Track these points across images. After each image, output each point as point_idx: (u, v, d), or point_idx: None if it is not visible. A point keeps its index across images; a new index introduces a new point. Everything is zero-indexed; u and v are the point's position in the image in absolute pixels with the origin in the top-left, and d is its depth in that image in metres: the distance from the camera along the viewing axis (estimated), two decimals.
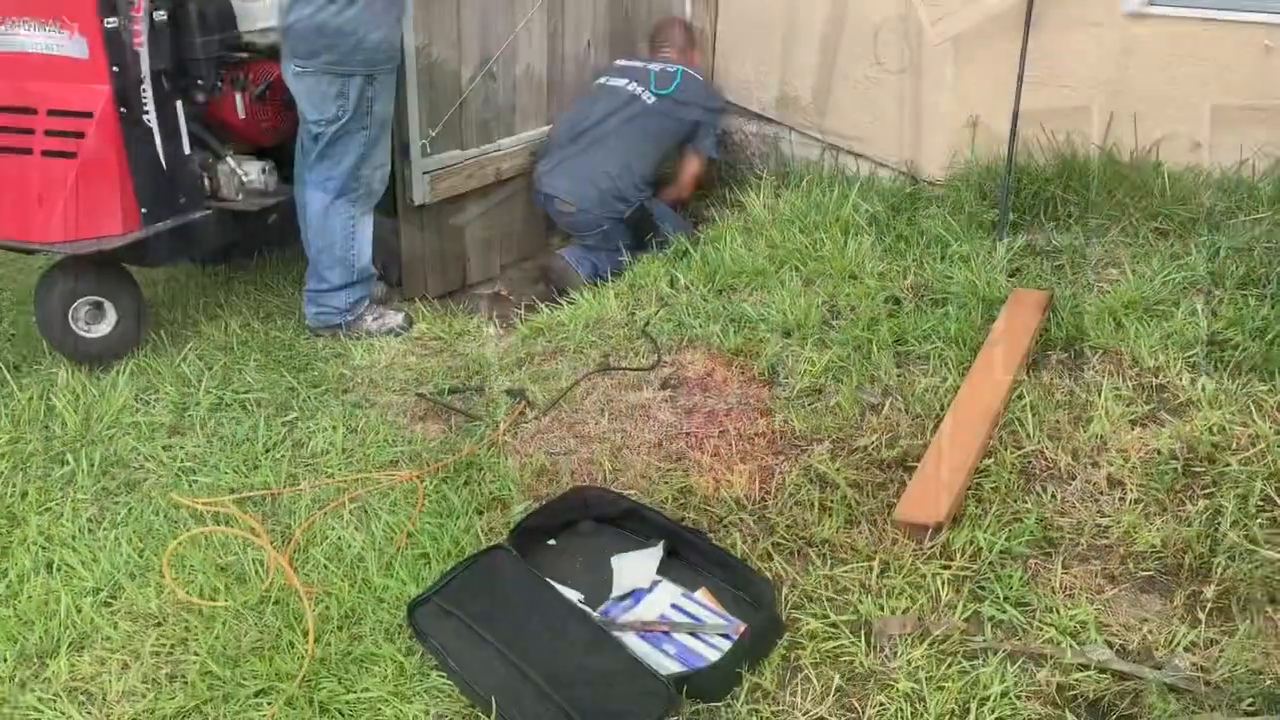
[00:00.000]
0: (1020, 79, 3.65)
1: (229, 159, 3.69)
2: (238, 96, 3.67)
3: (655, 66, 4.35)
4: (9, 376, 3.34)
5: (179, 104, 3.50)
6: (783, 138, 4.58)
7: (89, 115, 3.29)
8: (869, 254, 3.64)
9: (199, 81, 3.53)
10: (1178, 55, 3.58)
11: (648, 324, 3.46)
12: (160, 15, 3.37)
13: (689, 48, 4.57)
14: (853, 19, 4.08)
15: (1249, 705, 1.96)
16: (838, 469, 2.70)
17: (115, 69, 3.29)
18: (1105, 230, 3.59)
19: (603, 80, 4.35)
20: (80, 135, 3.29)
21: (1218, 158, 3.63)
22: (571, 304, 3.76)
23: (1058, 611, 2.22)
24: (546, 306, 3.85)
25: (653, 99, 4.22)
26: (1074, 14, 3.63)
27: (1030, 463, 2.66)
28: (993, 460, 2.65)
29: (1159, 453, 2.59)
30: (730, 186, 4.62)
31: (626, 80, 4.28)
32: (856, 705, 2.08)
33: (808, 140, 4.46)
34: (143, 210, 3.41)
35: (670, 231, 4.12)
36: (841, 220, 3.84)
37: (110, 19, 3.24)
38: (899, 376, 3.03)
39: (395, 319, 3.80)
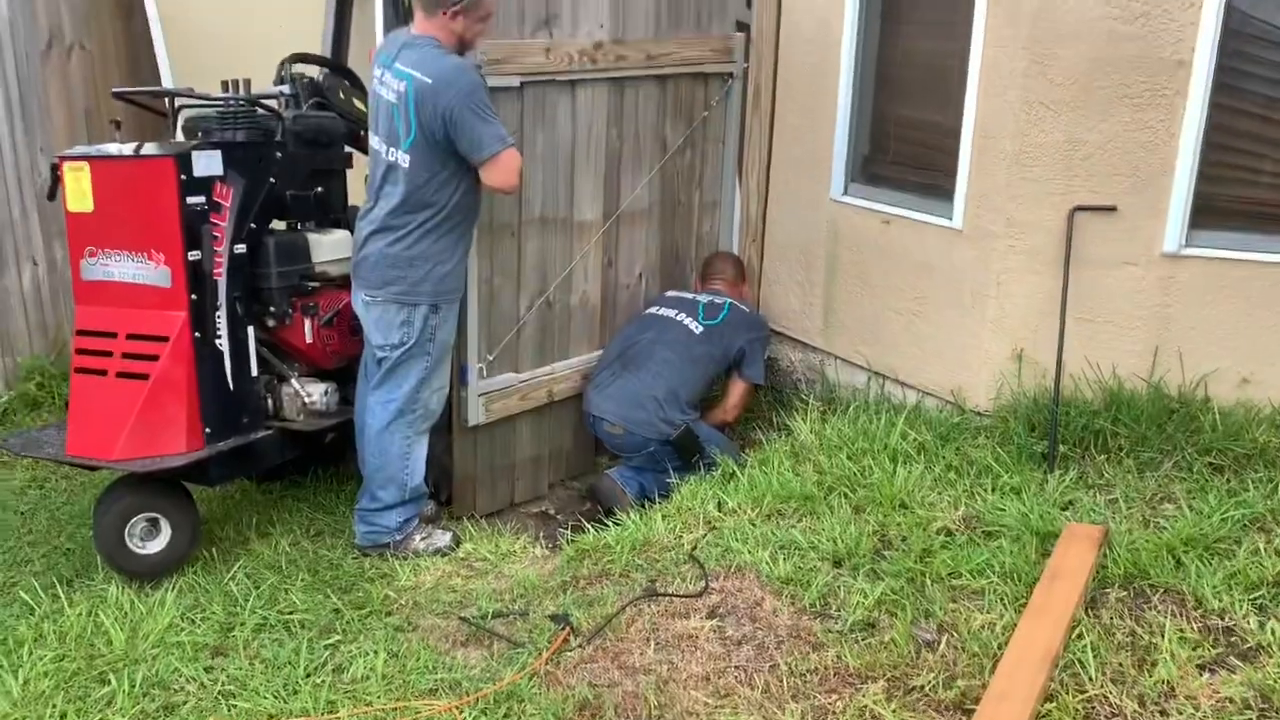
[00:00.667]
0: (1063, 315, 3.74)
1: (293, 381, 3.84)
2: (307, 322, 3.85)
3: (704, 298, 4.52)
4: (61, 592, 3.37)
5: (250, 329, 3.68)
6: (829, 365, 4.67)
7: (164, 339, 3.47)
8: (919, 483, 3.63)
9: (271, 309, 3.72)
10: (1217, 293, 3.66)
11: (695, 548, 3.44)
12: (240, 248, 3.60)
13: (739, 280, 4.75)
14: (895, 254, 4.23)
15: None
16: (894, 710, 2.60)
17: (194, 297, 3.49)
18: (1158, 464, 3.56)
19: (654, 310, 4.51)
20: (154, 358, 3.46)
21: (1267, 393, 3.64)
22: (618, 525, 3.75)
23: None
24: (593, 527, 3.85)
25: (700, 328, 4.36)
26: (1112, 253, 3.74)
27: (1094, 708, 2.54)
28: (1054, 705, 2.54)
29: (1231, 701, 2.48)
30: (777, 411, 4.68)
31: (676, 311, 4.44)
32: None
33: (853, 367, 4.54)
34: (206, 430, 3.53)
35: (717, 453, 4.15)
36: (890, 448, 3.86)
37: (194, 251, 3.47)
38: (954, 612, 2.96)
39: (443, 539, 3.82)
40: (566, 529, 4.00)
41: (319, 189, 3.88)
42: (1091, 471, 3.62)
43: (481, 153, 3.43)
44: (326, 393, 3.89)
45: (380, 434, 3.69)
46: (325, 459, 4.26)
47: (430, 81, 3.40)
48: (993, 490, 3.56)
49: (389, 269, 3.56)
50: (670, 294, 4.63)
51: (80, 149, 3.64)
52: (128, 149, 3.51)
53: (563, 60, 4.04)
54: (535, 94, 4.03)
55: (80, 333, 3.59)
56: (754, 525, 3.54)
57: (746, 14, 4.93)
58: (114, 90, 3.88)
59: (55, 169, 3.56)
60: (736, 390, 4.49)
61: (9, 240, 5.41)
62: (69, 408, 3.56)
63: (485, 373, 4.10)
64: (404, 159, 3.48)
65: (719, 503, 3.74)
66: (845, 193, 4.44)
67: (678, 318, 4.41)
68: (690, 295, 4.58)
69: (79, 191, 3.49)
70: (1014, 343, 3.91)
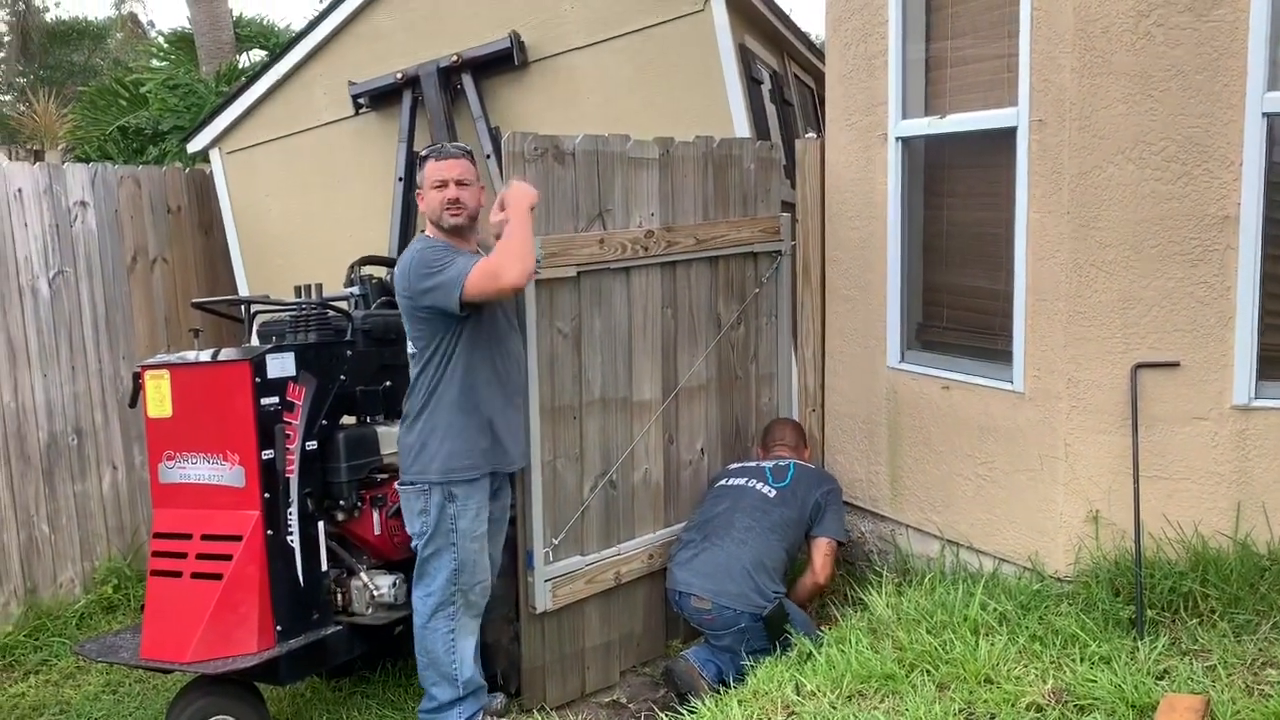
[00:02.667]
0: (1136, 474, 3.66)
1: (362, 574, 3.86)
2: (375, 514, 3.91)
3: (768, 463, 4.51)
4: None
5: (320, 524, 3.74)
6: (899, 534, 4.58)
7: (238, 539, 3.54)
8: (1003, 656, 3.48)
9: (341, 502, 3.79)
10: None
11: None
12: (311, 445, 3.70)
13: (800, 445, 4.74)
14: (957, 419, 4.21)
15: None
16: None
17: (267, 495, 3.57)
18: (1255, 627, 3.39)
19: (722, 481, 4.51)
20: (228, 558, 3.52)
21: None
22: (693, 713, 3.63)
23: None
24: (667, 716, 3.73)
25: (773, 491, 4.33)
26: (1180, 409, 3.69)
27: None
28: None
29: None
30: (850, 584, 4.57)
31: (745, 479, 4.44)
32: None
33: (925, 536, 4.45)
34: (278, 628, 3.55)
35: (796, 632, 4.04)
36: (970, 620, 3.72)
37: (267, 451, 3.57)
38: None
39: None
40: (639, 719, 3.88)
41: (387, 383, 4.02)
42: (1184, 637, 3.46)
43: (452, 296, 3.41)
44: (394, 584, 3.90)
45: (423, 631, 3.64)
46: (394, 652, 4.23)
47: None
48: (1081, 660, 3.40)
49: (405, 455, 3.62)
50: (734, 465, 4.64)
51: (160, 357, 3.83)
52: (205, 355, 3.68)
53: (616, 249, 4.20)
54: (591, 282, 4.17)
55: (157, 535, 3.68)
56: (834, 709, 3.40)
57: (791, 194, 5.11)
58: (193, 301, 4.13)
59: (137, 378, 3.74)
60: (820, 550, 4.41)
61: (91, 446, 5.62)
62: (144, 611, 3.61)
63: (551, 557, 4.09)
64: (410, 345, 3.62)
65: (797, 685, 3.60)
66: (902, 360, 4.46)
67: (749, 484, 4.40)
68: (754, 462, 4.57)
69: (158, 397, 3.65)
70: (1088, 504, 3.81)
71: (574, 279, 4.09)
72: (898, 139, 4.34)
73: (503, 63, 5.48)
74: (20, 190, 5.31)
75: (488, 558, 3.72)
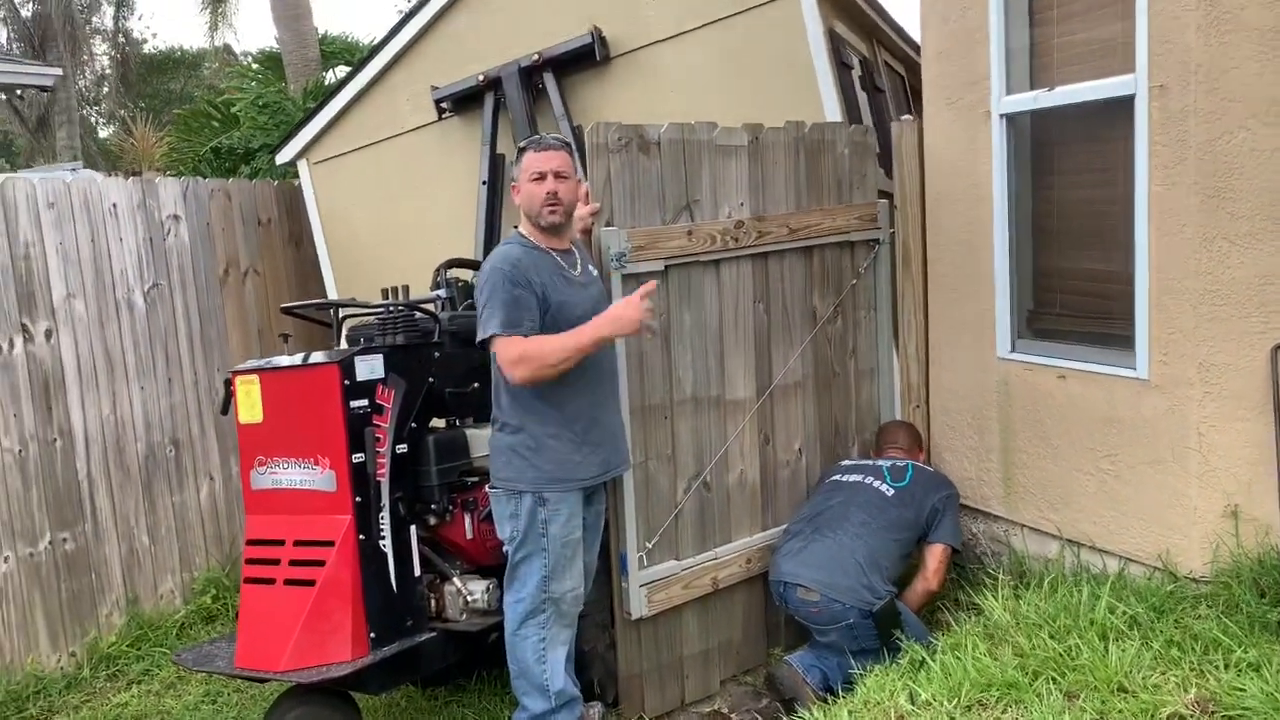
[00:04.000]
0: None
1: (455, 579, 3.77)
2: (467, 518, 3.82)
3: (885, 462, 4.31)
4: None
5: (413, 528, 3.66)
6: (1014, 534, 4.33)
7: (330, 544, 3.47)
8: (1136, 662, 3.22)
9: (433, 506, 3.70)
10: None
11: None
12: (402, 448, 3.62)
13: (914, 447, 4.53)
14: (1076, 410, 3.95)
15: None
16: None
17: (358, 499, 3.50)
18: None
19: (836, 476, 4.33)
20: (320, 564, 3.45)
21: None
22: None
23: None
24: None
25: (891, 490, 4.14)
26: None
27: None
28: None
29: None
30: (962, 588, 4.34)
31: (861, 475, 4.25)
32: None
33: (1042, 536, 4.19)
34: (371, 635, 3.47)
35: (907, 636, 3.83)
36: (1097, 624, 3.47)
37: (358, 454, 3.50)
38: None
39: None
40: None
41: (476, 384, 3.92)
42: None
43: (478, 332, 3.32)
44: (488, 589, 3.81)
45: (513, 638, 3.49)
46: (490, 661, 4.13)
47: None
48: (1226, 667, 3.12)
49: (498, 457, 3.48)
50: (848, 462, 4.46)
51: (250, 363, 3.80)
52: (295, 359, 3.63)
53: (705, 241, 4.05)
54: (679, 276, 4.03)
55: (251, 542, 3.64)
56: (953, 719, 3.19)
57: (888, 183, 4.89)
58: (282, 306, 4.09)
59: (228, 384, 3.71)
60: (935, 555, 4.19)
61: (189, 457, 5.67)
62: (238, 619, 3.57)
63: (645, 561, 3.95)
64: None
65: (910, 694, 3.40)
66: (1013, 350, 4.22)
67: (865, 481, 4.20)
68: (870, 460, 4.38)
69: (249, 403, 3.62)
70: (1225, 498, 3.52)
71: (662, 272, 3.95)
72: (1002, 116, 4.11)
73: (584, 59, 5.38)
74: (115, 205, 5.40)
75: (581, 564, 3.57)
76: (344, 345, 3.95)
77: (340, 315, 4.15)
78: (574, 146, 3.62)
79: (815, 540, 4.03)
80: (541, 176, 3.41)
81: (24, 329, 4.92)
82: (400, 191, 6.18)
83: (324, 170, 6.45)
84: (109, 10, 22.01)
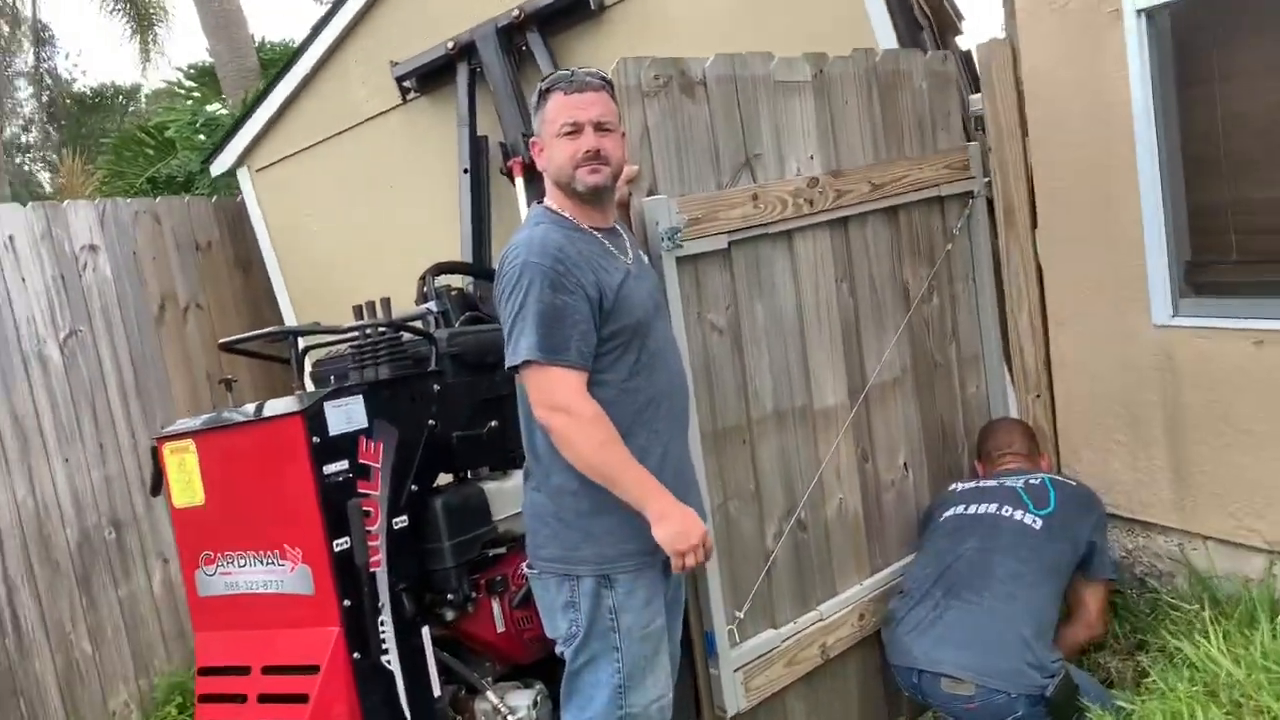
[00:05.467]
0: None
1: (489, 694, 2.76)
2: (495, 605, 2.82)
3: (1014, 481, 3.33)
4: None
5: (425, 630, 2.66)
6: (1193, 549, 3.38)
7: (314, 670, 2.46)
8: None
9: (449, 596, 2.70)
10: None
11: None
12: (400, 522, 2.62)
13: (1034, 452, 3.57)
14: (1276, 385, 3.02)
15: None
16: None
17: (347, 602, 2.49)
18: None
19: (958, 509, 3.33)
20: (303, 699, 2.44)
21: None
22: None
23: None
24: None
25: (1038, 521, 3.16)
26: None
27: None
28: None
29: None
30: (1126, 624, 3.40)
31: (992, 504, 3.25)
32: None
33: (1237, 549, 3.24)
34: None
35: (1089, 707, 2.87)
36: None
37: (340, 539, 2.49)
38: None
39: None
40: None
41: (492, 422, 2.91)
42: None
43: (507, 355, 2.37)
44: (536, 702, 2.80)
45: None
46: None
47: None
48: None
49: (539, 526, 2.50)
50: (963, 487, 3.44)
51: (183, 423, 2.77)
52: (241, 413, 2.62)
53: (774, 206, 3.09)
54: (746, 254, 3.07)
55: (203, 671, 2.63)
56: None
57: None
58: (220, 342, 3.03)
59: (155, 453, 2.70)
60: (1097, 595, 3.25)
61: (133, 539, 4.66)
62: None
63: (736, 635, 2.98)
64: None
65: None
66: (1175, 314, 3.27)
67: (1001, 512, 3.21)
68: (996, 482, 3.37)
69: (184, 479, 2.62)
70: None
71: (724, 251, 2.99)
72: (1139, 11, 3.16)
73: (575, 11, 4.40)
74: (12, 238, 4.37)
75: (666, 662, 2.57)
76: (310, 388, 2.95)
77: (301, 347, 3.13)
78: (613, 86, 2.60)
79: (952, 608, 3.04)
80: (577, 129, 2.41)
81: None
82: (363, 193, 5.17)
83: (269, 178, 5.43)
84: (33, 51, 20.77)
